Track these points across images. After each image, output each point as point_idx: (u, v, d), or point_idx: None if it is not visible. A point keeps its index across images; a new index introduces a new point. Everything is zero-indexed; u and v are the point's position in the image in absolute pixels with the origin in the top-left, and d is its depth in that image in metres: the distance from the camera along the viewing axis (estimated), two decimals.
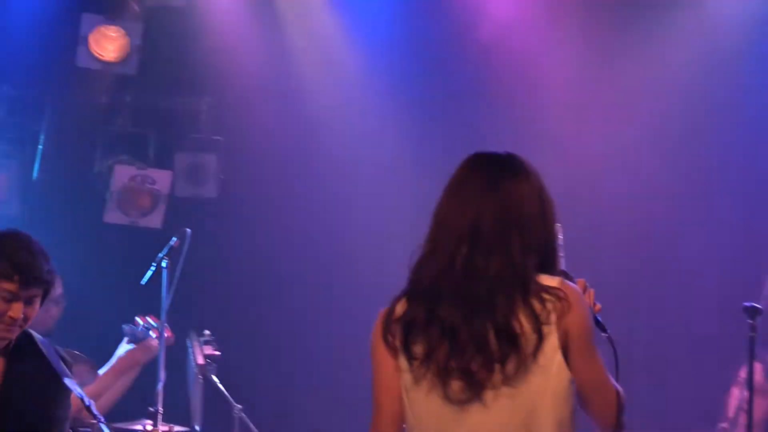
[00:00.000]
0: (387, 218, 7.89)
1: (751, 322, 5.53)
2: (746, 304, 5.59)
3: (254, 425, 6.75)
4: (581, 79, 7.78)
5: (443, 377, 3.32)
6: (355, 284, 7.81)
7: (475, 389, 3.30)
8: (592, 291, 3.40)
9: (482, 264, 3.31)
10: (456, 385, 3.31)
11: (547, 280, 3.30)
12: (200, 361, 6.70)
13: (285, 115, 8.14)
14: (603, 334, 3.43)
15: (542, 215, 3.37)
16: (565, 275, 3.38)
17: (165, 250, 6.60)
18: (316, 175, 8.16)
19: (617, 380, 3.35)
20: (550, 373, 3.30)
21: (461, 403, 3.32)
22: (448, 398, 3.33)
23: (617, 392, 3.33)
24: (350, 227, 8.03)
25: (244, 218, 8.11)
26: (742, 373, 6.39)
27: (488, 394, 3.31)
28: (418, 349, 3.34)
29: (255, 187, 8.17)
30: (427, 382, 3.35)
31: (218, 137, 8.15)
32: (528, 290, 3.29)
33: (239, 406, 6.81)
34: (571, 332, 3.29)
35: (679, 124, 7.65)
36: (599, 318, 3.41)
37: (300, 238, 8.12)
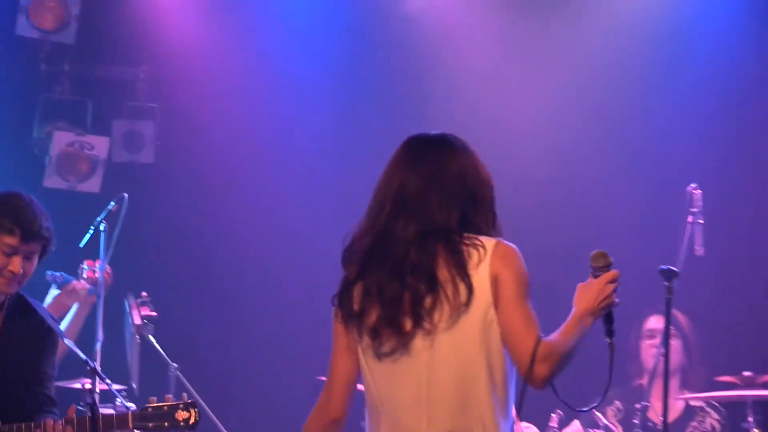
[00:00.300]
0: (321, 182, 8.18)
1: (667, 284, 5.71)
2: (662, 267, 5.76)
3: (190, 384, 6.77)
4: (502, 53, 8.04)
5: (376, 334, 3.50)
6: (290, 246, 8.06)
7: (407, 343, 3.49)
8: (610, 286, 3.51)
9: (403, 226, 3.51)
10: (388, 340, 3.50)
11: (483, 239, 3.50)
12: (137, 321, 6.76)
13: (220, 83, 8.26)
14: (606, 339, 3.56)
15: (463, 178, 3.56)
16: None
17: (103, 214, 6.68)
18: (250, 141, 8.27)
19: (608, 385, 3.57)
20: (482, 321, 3.46)
21: (395, 357, 3.50)
22: (383, 353, 3.51)
23: (536, 345, 3.41)
24: (284, 190, 8.22)
25: (179, 183, 8.21)
26: (647, 325, 6.80)
27: (419, 345, 3.49)
28: (355, 308, 3.54)
29: (191, 153, 8.25)
30: (365, 339, 3.54)
31: (155, 105, 8.23)
32: (452, 242, 3.49)
33: (175, 365, 6.88)
34: (500, 281, 3.46)
35: (594, 95, 7.88)
36: (612, 317, 3.53)
37: (234, 202, 8.23)
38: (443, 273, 3.46)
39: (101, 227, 6.65)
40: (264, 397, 7.96)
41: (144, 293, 6.91)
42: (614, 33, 7.84)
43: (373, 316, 3.51)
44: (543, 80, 7.92)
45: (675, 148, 7.75)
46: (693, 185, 6.28)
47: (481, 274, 3.46)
